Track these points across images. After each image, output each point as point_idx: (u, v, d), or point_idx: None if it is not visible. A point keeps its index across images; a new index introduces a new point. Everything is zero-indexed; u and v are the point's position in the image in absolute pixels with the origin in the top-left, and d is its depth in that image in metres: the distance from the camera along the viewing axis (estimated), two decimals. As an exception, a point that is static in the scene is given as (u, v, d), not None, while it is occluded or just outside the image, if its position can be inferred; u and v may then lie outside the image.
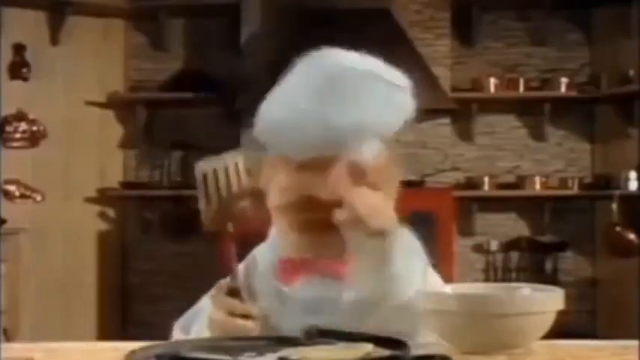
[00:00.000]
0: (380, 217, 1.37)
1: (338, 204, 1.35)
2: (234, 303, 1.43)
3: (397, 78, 1.51)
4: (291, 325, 1.38)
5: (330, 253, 1.48)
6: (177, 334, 1.60)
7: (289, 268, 1.53)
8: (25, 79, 5.41)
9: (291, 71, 1.51)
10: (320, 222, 1.42)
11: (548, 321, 1.26)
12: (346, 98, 1.43)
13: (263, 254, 1.60)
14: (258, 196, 1.50)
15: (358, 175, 1.38)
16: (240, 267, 1.56)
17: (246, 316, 1.42)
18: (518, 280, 5.37)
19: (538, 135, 5.67)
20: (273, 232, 1.59)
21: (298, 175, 1.44)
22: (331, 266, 1.50)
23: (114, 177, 5.74)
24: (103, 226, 5.73)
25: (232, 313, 1.42)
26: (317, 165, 1.41)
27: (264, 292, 1.54)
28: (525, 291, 1.34)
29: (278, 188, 1.48)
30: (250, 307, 1.43)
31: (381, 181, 1.44)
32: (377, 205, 1.38)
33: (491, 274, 5.58)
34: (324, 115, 1.41)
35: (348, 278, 1.45)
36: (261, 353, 1.15)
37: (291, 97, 1.47)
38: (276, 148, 1.48)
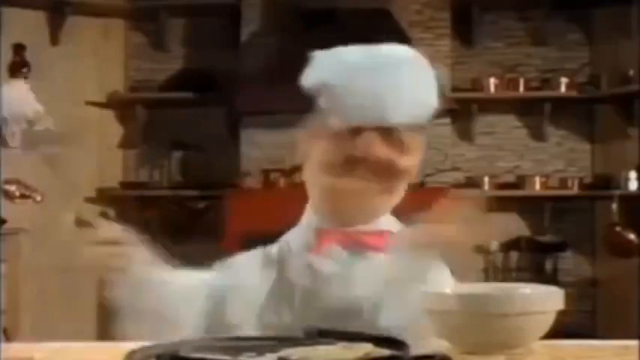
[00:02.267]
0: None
1: (375, 164, 1.47)
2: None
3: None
4: (324, 299, 1.48)
5: (364, 221, 1.55)
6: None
7: (325, 237, 1.55)
8: (25, 79, 5.41)
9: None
10: (358, 187, 1.50)
11: (548, 321, 1.26)
12: (404, 81, 1.52)
13: (295, 236, 1.62)
14: None
15: (392, 142, 1.49)
16: (274, 249, 1.60)
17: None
18: (518, 280, 5.36)
19: (538, 135, 5.67)
20: (307, 212, 1.61)
21: (340, 140, 1.50)
22: (368, 238, 1.54)
23: (114, 177, 5.74)
24: (103, 226, 5.72)
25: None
26: (357, 132, 1.49)
27: (298, 269, 1.55)
28: (525, 291, 1.34)
29: (321, 151, 1.53)
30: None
31: (410, 156, 1.53)
32: None
33: (491, 274, 5.58)
34: (387, 89, 1.49)
35: (384, 250, 1.52)
36: (261, 353, 1.15)
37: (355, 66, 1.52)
38: (334, 110, 1.51)
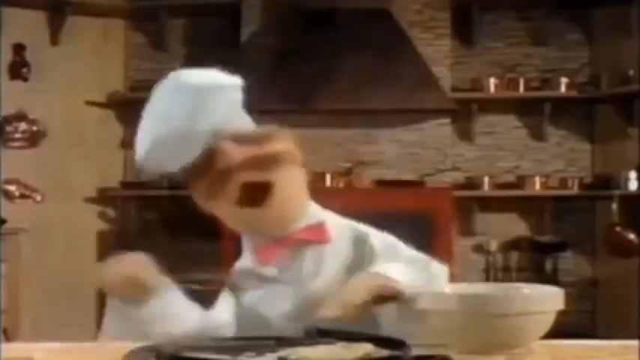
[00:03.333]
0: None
1: (246, 165, 1.50)
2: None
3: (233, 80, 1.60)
4: (277, 305, 1.53)
5: (290, 226, 1.59)
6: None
7: (267, 251, 1.59)
8: (25, 79, 5.42)
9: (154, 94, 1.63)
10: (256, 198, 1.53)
11: (548, 321, 1.26)
12: (206, 109, 1.53)
13: (241, 260, 1.67)
14: None
15: (244, 140, 1.52)
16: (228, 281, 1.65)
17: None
18: (518, 280, 5.36)
19: (538, 135, 5.66)
20: (244, 240, 1.67)
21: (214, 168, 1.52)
22: (304, 235, 1.59)
23: (114, 177, 5.74)
24: (103, 226, 5.73)
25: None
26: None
27: (248, 283, 1.60)
28: (525, 291, 1.34)
29: (200, 191, 1.56)
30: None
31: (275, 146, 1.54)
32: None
33: (491, 274, 5.58)
34: (191, 126, 1.51)
35: (323, 240, 1.59)
36: (260, 353, 1.15)
37: (162, 116, 1.56)
38: (158, 164, 1.56)
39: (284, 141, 1.56)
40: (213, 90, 1.55)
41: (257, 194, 1.52)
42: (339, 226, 1.64)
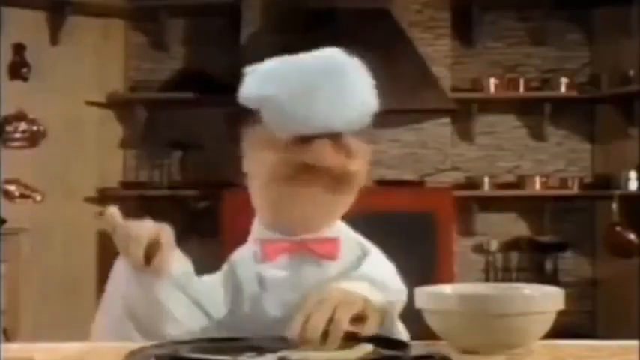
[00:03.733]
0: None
1: (327, 171, 1.46)
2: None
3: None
4: (273, 306, 1.49)
5: (311, 230, 1.55)
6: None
7: (272, 247, 1.55)
8: (25, 79, 5.41)
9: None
10: (308, 194, 1.49)
11: (548, 321, 1.26)
12: (346, 85, 1.49)
13: (243, 250, 1.62)
14: None
15: (340, 148, 1.48)
16: (224, 266, 1.60)
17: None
18: (518, 280, 5.36)
19: (538, 135, 5.67)
20: (254, 226, 1.63)
21: (290, 150, 1.48)
22: (315, 245, 1.55)
23: (114, 177, 5.74)
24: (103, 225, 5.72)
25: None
26: (305, 140, 1.47)
27: (246, 278, 1.56)
28: (526, 291, 1.34)
29: (268, 163, 1.51)
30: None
31: (357, 160, 1.52)
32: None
33: (491, 274, 5.58)
34: (331, 94, 1.46)
35: (331, 256, 1.54)
36: (260, 353, 1.15)
37: (294, 75, 1.50)
38: (278, 122, 1.49)
39: (362, 160, 1.54)
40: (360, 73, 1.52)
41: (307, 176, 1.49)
42: (348, 240, 1.60)
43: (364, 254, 1.58)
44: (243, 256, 1.60)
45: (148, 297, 1.48)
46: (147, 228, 1.49)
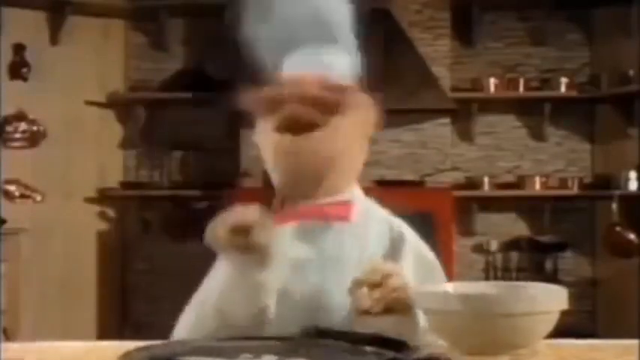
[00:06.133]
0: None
1: (321, 101, 1.48)
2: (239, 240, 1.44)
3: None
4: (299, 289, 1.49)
5: (325, 193, 1.56)
6: (190, 316, 1.58)
7: (288, 212, 1.54)
8: (25, 79, 5.41)
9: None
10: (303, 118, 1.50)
11: (552, 321, 1.25)
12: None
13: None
14: None
15: (329, 83, 1.50)
16: None
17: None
18: (518, 280, 5.36)
19: (538, 135, 5.66)
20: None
21: (283, 88, 1.52)
22: (331, 209, 1.56)
23: (114, 177, 5.73)
24: (103, 225, 5.73)
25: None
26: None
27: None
28: (530, 290, 1.33)
29: (271, 120, 1.54)
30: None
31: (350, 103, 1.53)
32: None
33: (491, 274, 5.58)
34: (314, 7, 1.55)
35: (349, 219, 1.55)
36: (257, 355, 1.15)
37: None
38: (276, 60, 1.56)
39: (363, 108, 1.54)
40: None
41: (299, 128, 1.49)
42: (377, 219, 1.59)
43: (398, 237, 1.59)
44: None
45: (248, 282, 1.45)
46: (252, 214, 1.45)
